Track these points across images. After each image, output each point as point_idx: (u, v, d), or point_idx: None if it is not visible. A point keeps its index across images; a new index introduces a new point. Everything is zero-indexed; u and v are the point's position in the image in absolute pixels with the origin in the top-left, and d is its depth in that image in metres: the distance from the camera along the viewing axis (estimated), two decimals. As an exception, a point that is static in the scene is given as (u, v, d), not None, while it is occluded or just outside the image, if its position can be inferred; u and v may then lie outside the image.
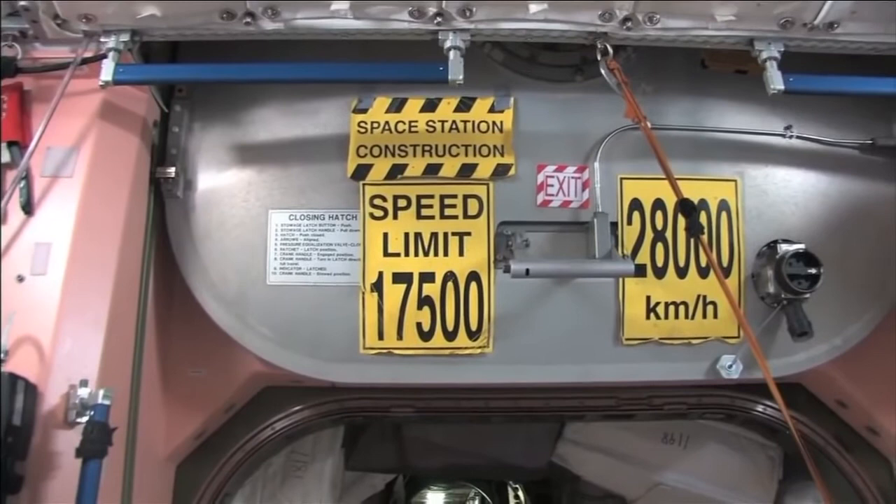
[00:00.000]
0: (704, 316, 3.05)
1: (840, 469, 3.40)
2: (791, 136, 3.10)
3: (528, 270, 2.72)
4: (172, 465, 3.27)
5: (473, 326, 2.97)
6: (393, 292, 2.96)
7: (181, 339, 3.18)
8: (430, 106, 3.03)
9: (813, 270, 2.93)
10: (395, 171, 2.99)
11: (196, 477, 3.31)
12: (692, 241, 3.01)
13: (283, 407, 3.39)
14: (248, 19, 2.52)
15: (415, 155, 2.99)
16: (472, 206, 3.00)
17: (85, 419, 2.18)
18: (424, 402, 3.33)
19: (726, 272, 3.03)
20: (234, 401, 3.27)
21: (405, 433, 3.86)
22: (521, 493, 11.10)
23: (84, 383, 2.27)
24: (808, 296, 2.95)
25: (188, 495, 3.29)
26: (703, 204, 3.06)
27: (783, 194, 3.12)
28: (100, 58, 2.55)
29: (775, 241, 3.05)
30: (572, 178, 3.04)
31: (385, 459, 3.93)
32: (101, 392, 2.24)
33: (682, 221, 2.95)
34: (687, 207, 2.59)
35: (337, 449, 3.78)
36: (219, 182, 3.04)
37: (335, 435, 3.77)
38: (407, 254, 2.98)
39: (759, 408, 3.48)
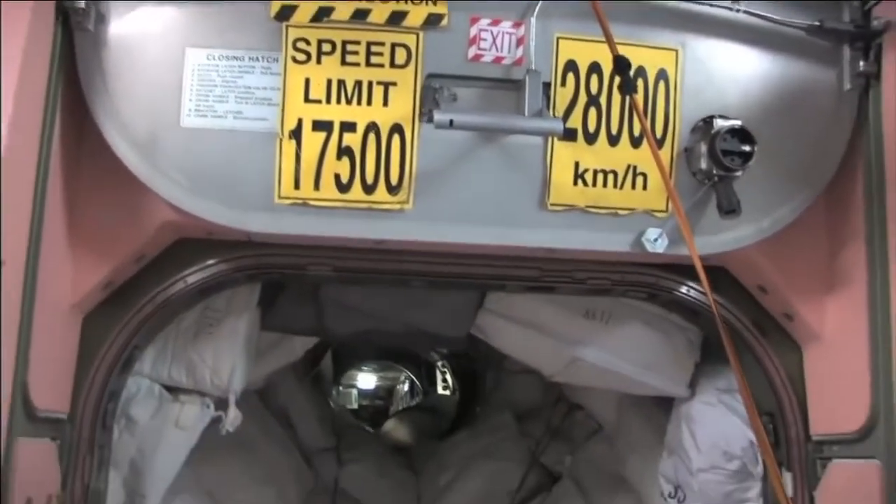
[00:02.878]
0: (633, 187, 2.98)
1: (754, 353, 3.41)
2: (738, 11, 2.98)
3: (451, 121, 2.61)
4: (79, 315, 3.15)
5: (394, 181, 2.86)
6: (312, 140, 2.83)
7: (90, 182, 3.02)
8: (360, -52, 2.83)
9: (747, 148, 2.86)
10: (322, 14, 2.82)
11: (104, 328, 3.19)
12: (626, 108, 2.92)
13: (197, 260, 3.27)
14: None
15: (343, -2, 2.80)
16: (400, 56, 2.84)
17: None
18: (342, 262, 3.23)
19: (659, 144, 2.94)
20: (144, 251, 3.14)
21: (323, 294, 3.76)
22: (448, 377, 11.25)
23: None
24: (739, 173, 2.89)
25: (95, 347, 3.18)
26: (642, 72, 2.94)
27: (724, 70, 3.02)
28: None
29: (712, 117, 2.96)
30: (507, 33, 2.89)
31: (302, 321, 3.84)
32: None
33: (617, 87, 2.83)
34: (622, 65, 2.52)
35: (252, 307, 3.68)
36: (133, 16, 2.82)
37: (251, 292, 3.67)
38: (329, 101, 2.83)
39: (683, 289, 3.45)
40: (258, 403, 5.64)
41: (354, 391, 12.59)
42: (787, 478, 3.28)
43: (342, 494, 5.94)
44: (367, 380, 15.13)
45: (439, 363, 11.20)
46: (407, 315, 3.78)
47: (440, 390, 11.39)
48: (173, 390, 3.79)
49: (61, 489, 2.99)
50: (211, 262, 3.26)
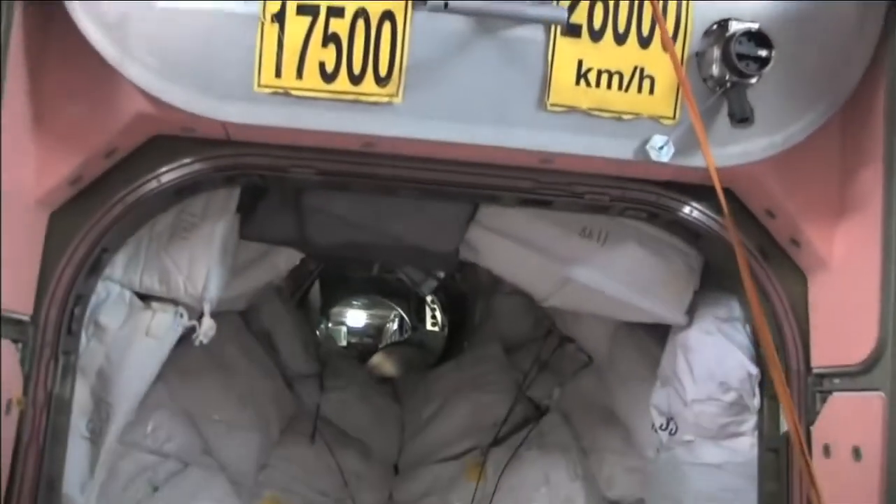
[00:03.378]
0: (640, 90, 2.77)
1: (758, 280, 3.23)
2: None
3: (446, 4, 2.40)
4: (45, 212, 2.98)
5: (382, 71, 2.65)
6: (296, 25, 2.61)
7: (57, 68, 2.82)
8: None
9: (763, 52, 2.66)
10: None
11: (72, 227, 3.03)
12: (635, 5, 2.71)
13: (173, 159, 3.08)
14: None
15: None
16: (393, -65, 2.61)
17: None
18: (326, 165, 3.03)
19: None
20: (115, 144, 2.95)
21: (306, 203, 3.54)
22: (438, 313, 11.15)
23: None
24: (754, 80, 2.70)
25: (62, 246, 3.01)
26: (654, -32, 2.72)
27: (742, -32, 2.78)
28: None
29: (727, 20, 2.74)
30: (511, -88, 2.65)
31: (282, 230, 3.63)
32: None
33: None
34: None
35: (230, 212, 3.48)
36: None
37: (229, 197, 3.47)
38: (316, -17, 2.60)
39: (686, 209, 3.28)
40: (240, 324, 5.49)
41: (343, 328, 12.54)
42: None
43: (324, 421, 5.80)
44: (356, 317, 15.08)
45: (429, 299, 11.12)
46: (393, 226, 3.57)
47: (429, 326, 11.31)
48: (145, 298, 3.60)
49: (23, 394, 2.85)
50: (187, 160, 3.08)
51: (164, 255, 3.48)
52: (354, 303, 13.55)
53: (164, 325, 3.49)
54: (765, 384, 3.43)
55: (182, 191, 3.20)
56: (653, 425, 3.87)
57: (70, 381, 3.13)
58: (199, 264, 3.47)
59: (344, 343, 11.66)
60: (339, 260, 4.15)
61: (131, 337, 3.42)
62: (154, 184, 3.05)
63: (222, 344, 5.02)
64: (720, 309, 3.63)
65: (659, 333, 4.15)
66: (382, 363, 9.07)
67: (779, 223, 3.22)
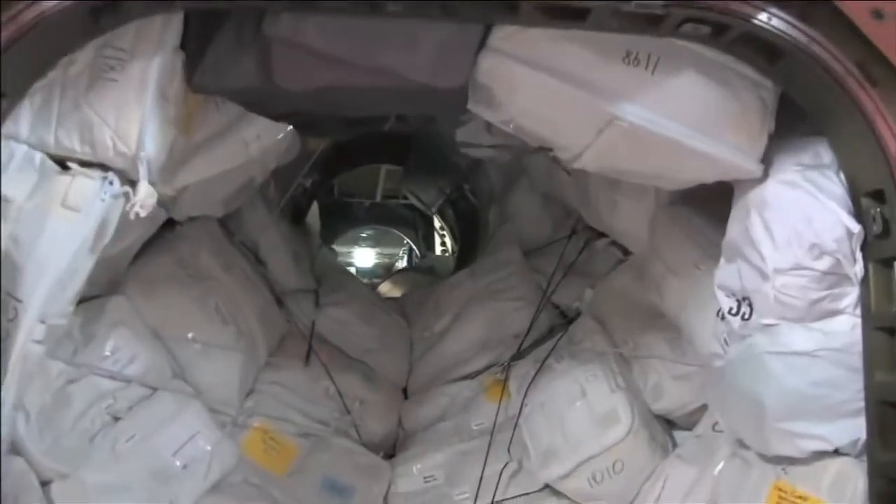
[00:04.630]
0: None
1: (860, 107, 2.47)
2: None
3: None
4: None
5: None
6: None
7: None
8: None
9: None
10: None
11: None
12: None
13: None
14: None
15: None
16: None
17: None
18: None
19: None
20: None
21: (270, 33, 2.69)
22: (447, 240, 10.49)
23: None
24: None
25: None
26: None
27: None
28: None
29: None
30: None
31: (241, 72, 2.77)
32: None
33: None
34: None
35: (169, 48, 2.66)
36: None
37: (167, 26, 2.64)
38: None
39: (763, 16, 2.46)
40: (218, 232, 4.73)
41: (353, 270, 11.92)
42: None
43: (320, 341, 5.06)
44: (364, 256, 14.52)
45: (437, 224, 10.55)
46: (381, 57, 2.69)
47: (438, 253, 10.77)
48: (63, 163, 2.79)
49: None
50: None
51: (84, 104, 2.66)
52: (358, 235, 13.01)
53: (86, 194, 2.68)
54: (868, 245, 2.63)
55: (101, 13, 2.38)
56: (718, 311, 3.11)
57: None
58: (132, 114, 2.65)
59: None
60: (318, 118, 3.33)
61: (44, 209, 2.61)
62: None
63: (196, 252, 4.32)
64: (804, 154, 2.83)
65: (709, 212, 3.48)
66: (391, 291, 8.42)
67: (889, 28, 2.39)
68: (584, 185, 4.49)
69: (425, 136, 7.02)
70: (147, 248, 4.08)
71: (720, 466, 3.38)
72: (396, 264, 14.54)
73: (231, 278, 4.52)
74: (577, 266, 5.00)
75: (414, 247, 12.11)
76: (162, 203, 3.74)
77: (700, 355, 3.56)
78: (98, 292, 3.79)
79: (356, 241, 13.87)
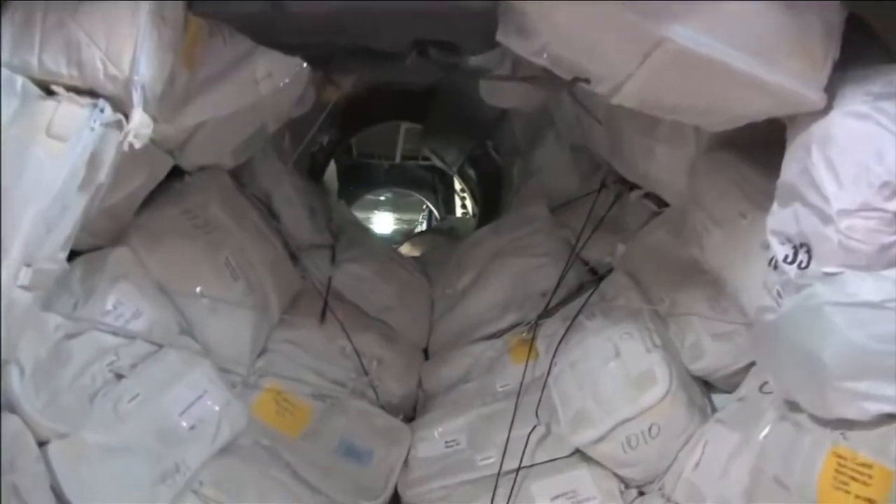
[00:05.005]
0: None
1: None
2: None
3: None
4: None
5: None
6: None
7: None
8: None
9: None
10: None
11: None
12: None
13: None
14: None
15: None
16: None
17: None
18: None
19: None
20: None
21: None
22: (468, 202, 10.25)
23: None
24: None
25: None
26: None
27: None
28: None
29: None
30: None
31: (247, -6, 2.50)
32: None
33: None
34: None
35: (165, -40, 2.38)
36: None
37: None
38: None
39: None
40: (228, 183, 4.48)
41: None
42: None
43: (337, 298, 4.80)
44: (384, 220, 14.31)
45: (458, 187, 10.37)
46: None
47: (458, 214, 10.58)
48: (48, 89, 2.53)
49: None
50: None
51: (71, 21, 2.39)
52: (377, 199, 12.83)
53: (73, 121, 2.39)
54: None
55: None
56: (771, 260, 2.81)
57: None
58: (123, 33, 2.38)
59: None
60: (331, 53, 3.05)
61: (26, 139, 2.34)
62: None
63: (205, 204, 4.08)
64: (874, 82, 2.52)
65: (755, 159, 3.22)
66: (410, 253, 8.16)
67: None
68: (618, 133, 4.20)
69: (446, 91, 6.78)
70: (153, 198, 3.86)
71: (766, 431, 3.09)
72: (416, 229, 14.33)
73: (242, 231, 4.28)
74: (608, 221, 4.71)
75: (434, 210, 11.87)
76: (167, 148, 3.51)
77: (746, 311, 3.28)
78: (101, 244, 3.57)
79: (375, 206, 13.64)
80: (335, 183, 8.62)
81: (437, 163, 8.56)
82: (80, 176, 2.44)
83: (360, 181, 10.41)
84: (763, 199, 2.96)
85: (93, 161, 2.48)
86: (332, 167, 8.25)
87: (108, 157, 2.53)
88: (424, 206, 12.57)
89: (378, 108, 7.81)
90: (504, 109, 6.50)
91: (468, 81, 4.93)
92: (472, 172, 8.71)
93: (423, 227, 13.30)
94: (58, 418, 3.07)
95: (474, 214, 9.80)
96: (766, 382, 3.25)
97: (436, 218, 11.87)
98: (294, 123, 4.92)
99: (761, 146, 3.09)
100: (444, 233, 9.39)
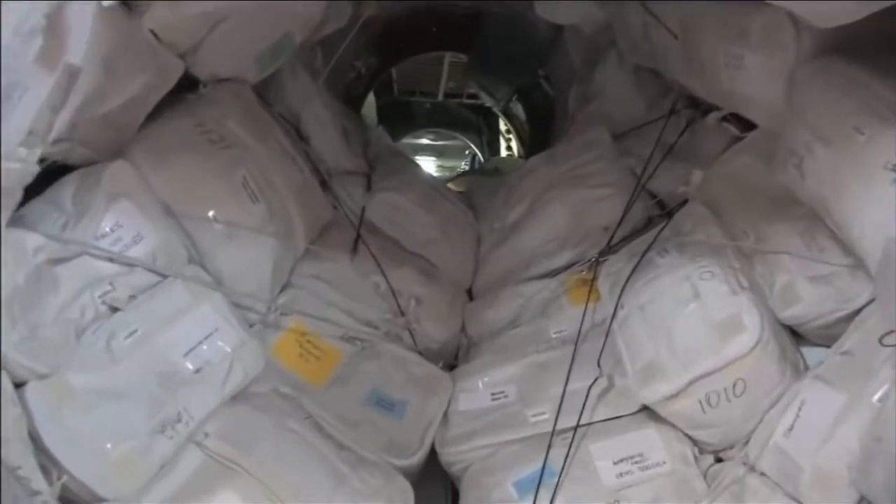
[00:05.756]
0: None
1: None
2: None
3: None
4: None
5: None
6: None
7: None
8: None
9: None
10: None
11: None
12: None
13: None
14: None
15: None
16: None
17: None
18: None
19: None
20: None
21: None
22: (514, 144, 9.76)
23: None
24: None
25: None
26: None
27: None
28: None
29: None
30: None
31: None
32: None
33: None
34: None
35: None
36: None
37: None
38: None
39: None
40: (250, 96, 3.99)
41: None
42: None
43: (371, 229, 4.31)
44: (425, 165, 13.88)
45: (503, 128, 9.96)
46: None
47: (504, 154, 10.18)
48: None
49: None
50: None
51: None
52: (418, 142, 12.45)
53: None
54: None
55: None
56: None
57: None
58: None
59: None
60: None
61: None
62: None
63: (222, 117, 3.60)
64: None
65: (875, 62, 2.67)
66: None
67: None
68: (696, 45, 3.67)
69: (494, 15, 6.26)
70: (162, 110, 3.37)
71: (882, 391, 2.56)
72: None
73: (264, 149, 3.78)
74: (678, 149, 4.16)
75: (478, 152, 11.42)
76: (177, 51, 3.03)
77: (856, 249, 2.76)
78: (100, 159, 3.09)
79: (415, 151, 13.28)
80: (374, 119, 8.18)
81: (485, 99, 8.09)
82: (35, 43, 1.91)
83: (400, 120, 9.99)
84: (884, 109, 2.49)
85: (53, 29, 1.95)
86: (370, 100, 7.78)
87: (77, 27, 2.00)
88: (468, 152, 12.16)
89: (420, 37, 7.34)
90: (558, 34, 6.00)
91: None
92: (520, 110, 8.21)
93: (466, 168, 12.90)
94: (36, 356, 2.61)
95: (520, 156, 9.36)
96: (888, 333, 2.68)
97: (479, 162, 11.45)
98: (328, 43, 4.55)
99: (875, 50, 2.63)
100: (489, 173, 8.93)
